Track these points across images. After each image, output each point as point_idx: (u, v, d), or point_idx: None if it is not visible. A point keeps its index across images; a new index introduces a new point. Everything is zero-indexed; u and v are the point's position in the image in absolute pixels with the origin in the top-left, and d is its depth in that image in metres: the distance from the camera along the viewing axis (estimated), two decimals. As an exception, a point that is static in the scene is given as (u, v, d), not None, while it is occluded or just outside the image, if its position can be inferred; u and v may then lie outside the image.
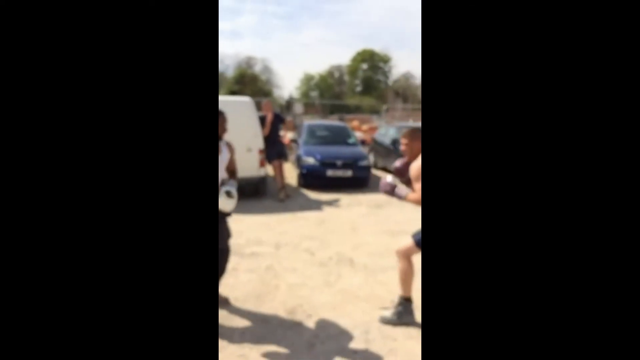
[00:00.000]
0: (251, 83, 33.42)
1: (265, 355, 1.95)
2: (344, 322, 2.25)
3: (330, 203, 5.24)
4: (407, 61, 62.29)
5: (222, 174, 2.31)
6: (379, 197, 5.58)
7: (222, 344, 2.02)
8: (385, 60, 42.20)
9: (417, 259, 2.13)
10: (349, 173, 5.85)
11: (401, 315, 2.23)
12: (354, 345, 2.04)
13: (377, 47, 45.34)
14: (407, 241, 2.21)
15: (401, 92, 36.64)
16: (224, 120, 2.26)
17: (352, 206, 5.08)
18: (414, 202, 2.12)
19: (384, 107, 26.09)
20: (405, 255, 2.21)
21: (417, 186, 2.08)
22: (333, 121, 11.68)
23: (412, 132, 2.26)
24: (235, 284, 2.73)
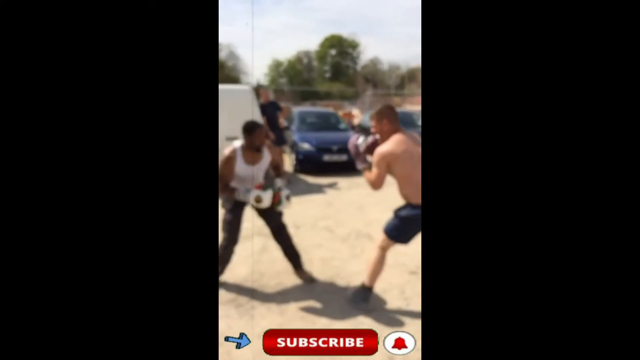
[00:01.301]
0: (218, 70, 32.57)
1: (322, 312, 2.24)
2: (380, 285, 2.57)
3: (330, 186, 5.53)
4: (374, 47, 62.92)
5: (262, 174, 2.53)
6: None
7: (282, 307, 2.30)
8: (354, 46, 42.45)
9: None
10: (344, 158, 6.15)
11: (357, 300, 2.28)
12: (396, 301, 2.38)
13: (345, 33, 45.41)
14: (381, 234, 2.23)
15: (371, 78, 37.20)
16: (262, 132, 2.41)
17: (352, 189, 5.40)
18: (367, 179, 2.18)
19: (368, 92, 26.49)
20: (381, 248, 2.24)
21: (374, 170, 2.12)
22: (322, 108, 11.86)
23: (378, 112, 2.21)
24: (273, 259, 2.99)
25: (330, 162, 6.16)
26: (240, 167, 2.37)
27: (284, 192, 2.43)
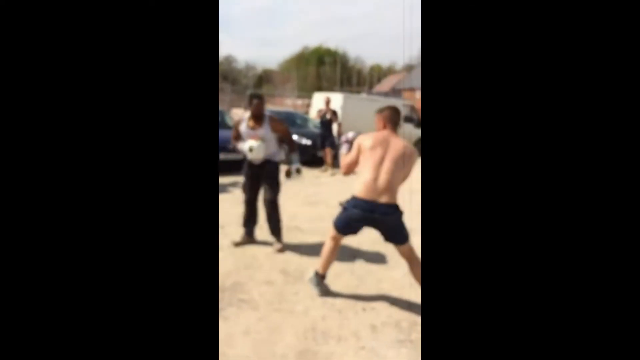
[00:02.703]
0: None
1: (292, 301, 2.36)
2: (337, 264, 2.82)
3: (234, 185, 5.42)
4: (228, 44, 61.67)
5: (265, 139, 2.99)
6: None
7: (251, 303, 2.31)
8: (208, 41, 40.64)
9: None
10: (240, 156, 6.06)
11: (312, 285, 2.44)
12: (351, 281, 2.67)
13: (197, 26, 43.03)
14: (332, 227, 2.35)
15: (227, 76, 36.43)
16: (258, 103, 2.99)
17: (256, 186, 5.42)
18: (343, 161, 2.40)
19: (248, 91, 26.05)
20: (332, 238, 2.37)
21: (350, 152, 2.33)
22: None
23: (379, 110, 2.35)
24: (221, 260, 2.87)
25: (225, 160, 5.99)
26: (243, 128, 3.08)
27: (295, 165, 3.07)
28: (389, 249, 3.27)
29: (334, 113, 6.47)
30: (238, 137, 3.14)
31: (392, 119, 2.31)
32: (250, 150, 2.97)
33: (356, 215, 2.19)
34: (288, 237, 3.48)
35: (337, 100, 8.91)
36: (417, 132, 10.29)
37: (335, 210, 2.39)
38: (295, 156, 3.10)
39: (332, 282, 2.61)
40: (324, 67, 32.83)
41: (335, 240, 2.37)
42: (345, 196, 2.29)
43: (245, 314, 2.19)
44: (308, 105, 21.52)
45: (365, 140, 2.24)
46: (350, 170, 2.37)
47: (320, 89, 28.20)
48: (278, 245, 3.12)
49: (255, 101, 2.98)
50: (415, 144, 10.24)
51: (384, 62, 44.41)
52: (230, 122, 7.29)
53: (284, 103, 24.87)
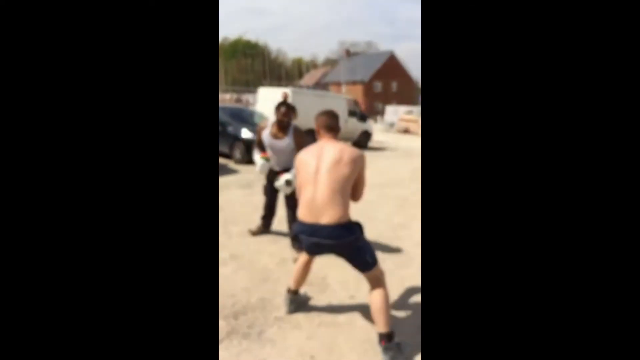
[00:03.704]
0: None
1: (326, 310, 2.21)
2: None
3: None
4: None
5: (285, 152, 2.89)
6: (240, 177, 5.71)
7: (291, 321, 2.12)
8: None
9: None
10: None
11: (287, 303, 2.20)
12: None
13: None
14: None
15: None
16: (283, 110, 2.84)
17: (225, 189, 5.02)
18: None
19: None
20: (303, 254, 2.16)
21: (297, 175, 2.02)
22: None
23: (315, 116, 2.07)
24: (231, 275, 2.56)
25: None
26: (265, 136, 2.94)
27: (287, 176, 2.82)
28: (393, 245, 3.27)
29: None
30: (261, 145, 3.01)
31: (326, 124, 2.00)
32: (288, 184, 2.81)
33: (304, 241, 1.89)
34: (285, 241, 3.28)
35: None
36: (362, 126, 10.53)
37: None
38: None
39: (358, 286, 2.52)
40: (249, 60, 31.80)
41: (307, 255, 2.12)
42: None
43: (291, 335, 1.99)
44: (237, 100, 20.56)
45: (299, 156, 1.97)
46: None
47: (247, 83, 27.29)
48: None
49: (283, 109, 2.83)
50: (360, 136, 10.50)
51: (305, 56, 44.61)
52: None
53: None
